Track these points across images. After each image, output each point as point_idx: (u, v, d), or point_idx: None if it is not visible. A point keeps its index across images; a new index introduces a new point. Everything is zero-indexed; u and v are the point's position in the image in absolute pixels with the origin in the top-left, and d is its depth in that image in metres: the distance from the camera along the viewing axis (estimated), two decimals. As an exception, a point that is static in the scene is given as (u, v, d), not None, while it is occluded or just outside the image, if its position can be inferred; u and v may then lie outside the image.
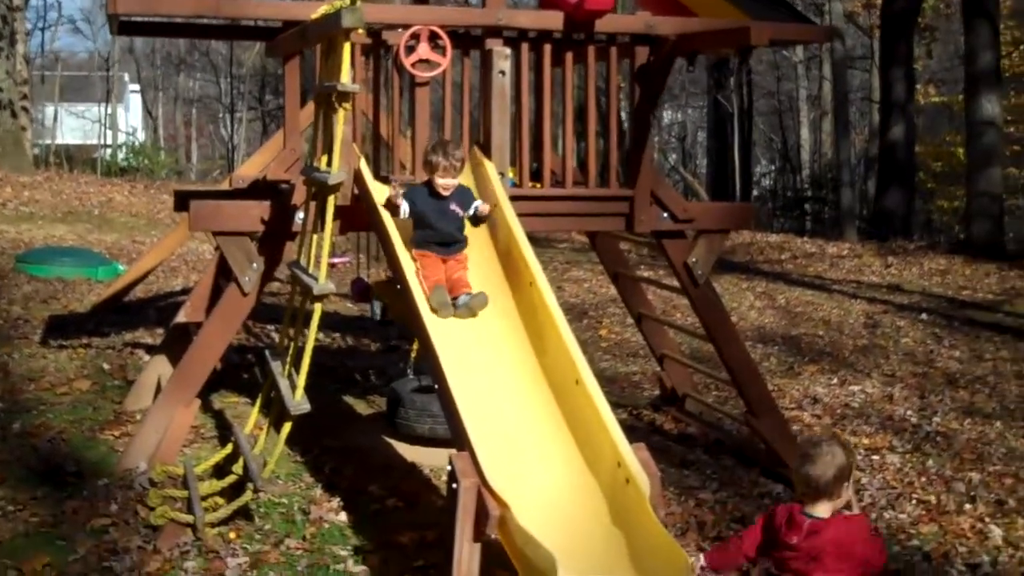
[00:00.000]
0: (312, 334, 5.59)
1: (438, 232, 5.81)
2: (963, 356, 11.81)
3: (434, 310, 5.46)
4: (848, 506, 4.36)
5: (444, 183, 5.84)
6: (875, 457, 7.94)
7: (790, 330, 12.84)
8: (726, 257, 17.93)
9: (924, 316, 13.80)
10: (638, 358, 10.74)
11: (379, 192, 6.03)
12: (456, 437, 4.89)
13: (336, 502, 6.28)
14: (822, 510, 4.26)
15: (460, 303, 5.55)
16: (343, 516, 6.12)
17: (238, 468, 5.87)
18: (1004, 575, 5.91)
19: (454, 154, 5.87)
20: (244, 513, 5.88)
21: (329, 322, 11.38)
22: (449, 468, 4.62)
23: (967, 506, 6.98)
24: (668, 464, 7.45)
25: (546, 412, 5.17)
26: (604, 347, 11.54)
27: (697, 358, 9.72)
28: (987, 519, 6.76)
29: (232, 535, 5.72)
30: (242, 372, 8.96)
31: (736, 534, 4.94)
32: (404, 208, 5.84)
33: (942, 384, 10.46)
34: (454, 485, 4.52)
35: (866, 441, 8.34)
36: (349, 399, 8.70)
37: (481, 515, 4.44)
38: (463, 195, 5.99)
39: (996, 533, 6.53)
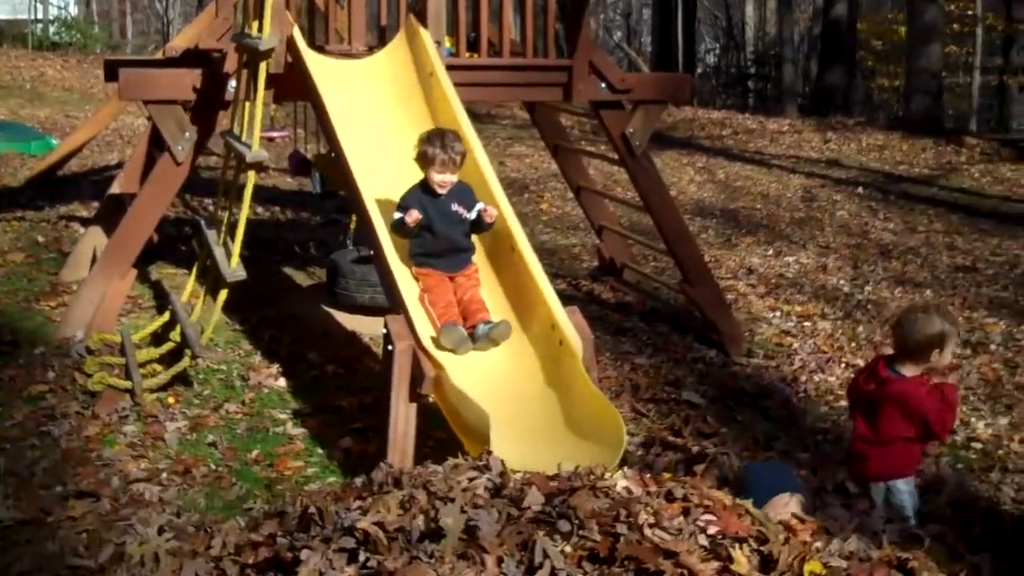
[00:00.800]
0: (246, 202, 5.55)
1: (441, 238, 5.08)
2: (897, 228, 12.03)
3: (450, 349, 4.75)
4: (943, 375, 4.57)
5: (441, 179, 5.07)
6: (807, 324, 8.14)
7: (729, 204, 12.97)
8: (668, 133, 17.96)
9: (860, 190, 13.99)
10: (578, 231, 10.80)
11: (315, 62, 5.90)
12: (392, 301, 4.94)
13: (275, 368, 6.33)
14: (906, 369, 4.47)
15: (479, 335, 4.84)
16: (282, 382, 6.17)
17: (175, 335, 5.88)
18: (925, 433, 6.11)
19: (453, 146, 5.09)
20: (183, 380, 5.92)
21: (268, 196, 11.30)
22: (384, 331, 4.67)
23: (893, 369, 7.18)
24: (605, 331, 7.57)
25: (482, 276, 5.20)
26: (545, 220, 11.59)
27: (636, 230, 9.79)
28: (912, 382, 6.97)
29: (171, 400, 5.76)
30: (180, 244, 8.89)
31: None
32: (414, 212, 5.01)
33: (875, 255, 10.67)
34: (389, 347, 4.58)
35: (799, 309, 8.53)
36: (289, 271, 8.69)
37: (416, 376, 4.51)
38: (463, 194, 5.20)
39: (920, 394, 6.74)
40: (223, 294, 5.63)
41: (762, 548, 2.89)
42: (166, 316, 6.25)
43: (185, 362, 5.69)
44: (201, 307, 6.17)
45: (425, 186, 5.12)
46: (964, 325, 8.29)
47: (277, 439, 5.48)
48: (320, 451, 5.36)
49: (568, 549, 2.71)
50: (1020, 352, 7.69)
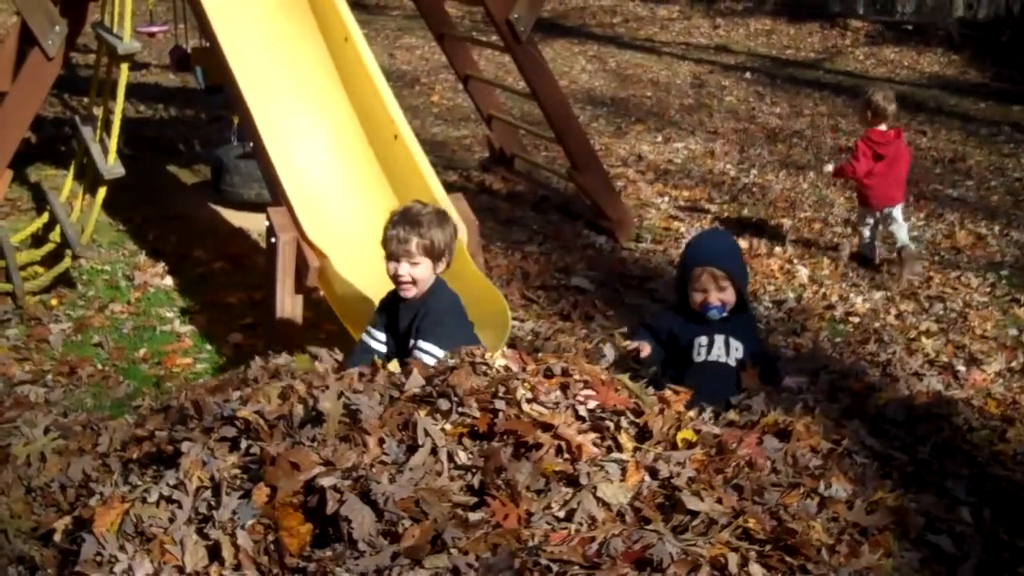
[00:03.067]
0: (120, 97, 5.40)
1: None
2: (783, 112, 12.21)
3: None
4: None
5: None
6: (694, 209, 8.26)
7: (619, 92, 13.00)
8: (558, 22, 17.84)
9: (748, 75, 14.13)
10: (469, 122, 10.74)
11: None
12: (274, 193, 4.88)
13: (161, 267, 6.24)
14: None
15: None
16: (169, 280, 6.09)
17: (55, 236, 5.75)
18: (807, 310, 6.31)
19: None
20: (66, 281, 5.80)
21: (152, 93, 11.00)
22: (268, 224, 4.62)
23: (777, 249, 7.37)
24: (495, 221, 7.61)
25: (365, 166, 5.17)
26: (436, 112, 11.49)
27: (527, 120, 9.77)
28: (795, 260, 7.18)
29: (54, 302, 5.66)
30: (59, 145, 8.62)
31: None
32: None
33: (761, 139, 10.84)
34: (273, 240, 4.54)
35: (686, 194, 8.65)
36: (173, 168, 8.51)
37: (301, 267, 4.49)
38: None
39: (802, 272, 6.95)
40: (102, 192, 5.51)
41: (638, 420, 2.99)
42: (45, 217, 6.11)
43: (66, 263, 5.57)
44: (80, 206, 6.03)
45: None
46: (846, 205, 8.52)
47: (165, 337, 5.44)
48: (209, 347, 5.33)
49: (448, 427, 2.76)
50: (897, 229, 7.94)
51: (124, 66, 5.41)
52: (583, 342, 5.42)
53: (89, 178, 5.83)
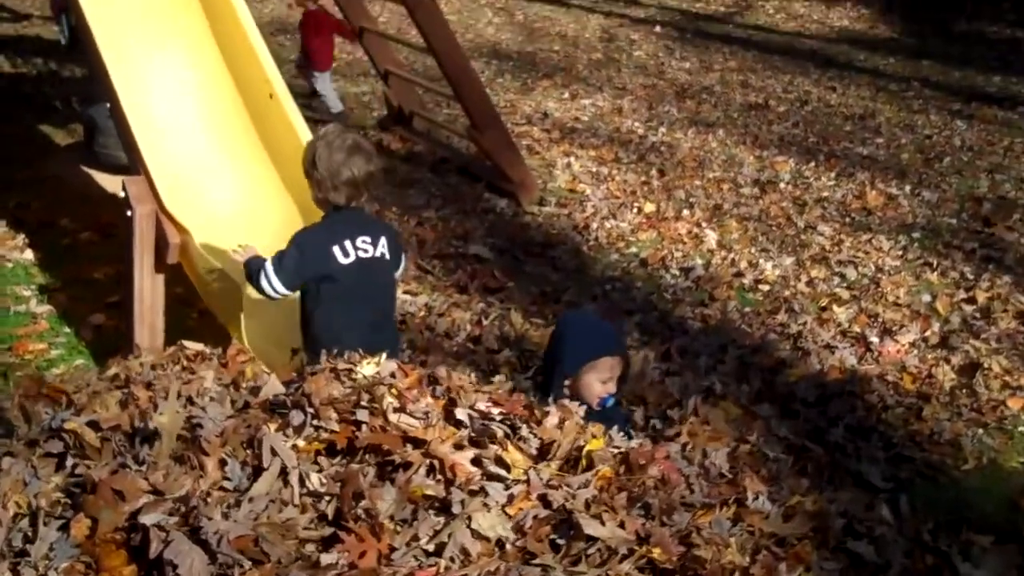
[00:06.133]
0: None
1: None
2: (693, 68, 11.92)
3: None
4: None
5: None
6: (602, 169, 7.92)
7: (526, 46, 12.59)
8: (465, -28, 17.30)
9: (658, 29, 13.81)
10: (370, 78, 10.24)
11: None
12: (132, 159, 4.40)
13: (21, 239, 5.71)
14: None
15: None
16: (29, 254, 5.57)
17: None
18: (715, 278, 6.02)
19: None
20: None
21: (30, 48, 10.33)
22: (123, 194, 4.14)
23: (685, 212, 7.08)
24: (392, 184, 7.18)
25: (237, 128, 4.71)
26: (335, 68, 10.95)
27: (429, 77, 9.31)
28: (703, 224, 6.88)
29: None
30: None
31: None
32: None
33: (671, 95, 10.53)
34: (129, 213, 4.07)
35: (593, 154, 8.30)
36: (46, 128, 7.92)
37: (160, 244, 4.04)
38: None
39: (711, 237, 6.66)
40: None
41: (535, 432, 2.61)
42: None
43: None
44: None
45: None
46: (755, 164, 8.27)
47: (19, 319, 4.92)
48: (68, 330, 4.84)
49: (301, 443, 2.38)
50: (808, 190, 7.70)
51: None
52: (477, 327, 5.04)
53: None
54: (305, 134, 4.50)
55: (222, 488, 2.29)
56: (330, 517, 2.23)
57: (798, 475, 3.47)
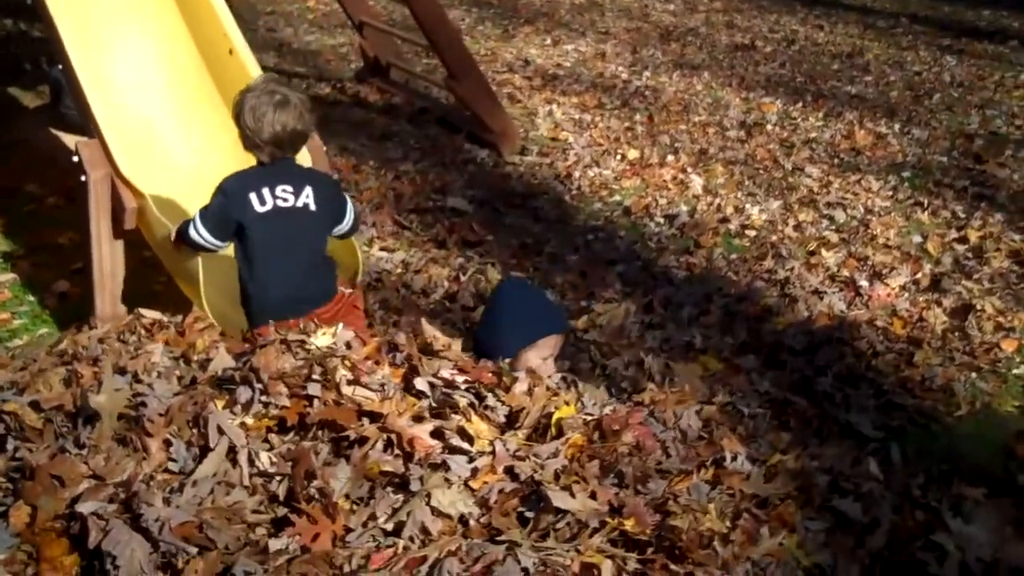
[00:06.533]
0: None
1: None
2: (677, 9, 11.69)
3: None
4: None
5: None
6: (585, 116, 7.74)
7: (507, -9, 12.33)
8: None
9: (642, -30, 13.53)
10: (347, 29, 9.99)
11: None
12: (85, 122, 4.22)
13: (-16, 205, 5.56)
14: None
15: None
16: (-8, 221, 5.42)
17: None
18: (700, 224, 5.87)
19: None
20: None
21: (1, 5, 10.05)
22: (76, 159, 3.97)
23: (670, 158, 6.91)
24: (368, 138, 7.02)
25: (197, 88, 4.52)
26: (311, 19, 10.74)
27: (406, 27, 9.09)
28: (688, 169, 6.72)
29: None
30: None
31: None
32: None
33: (655, 38, 10.31)
34: (83, 178, 3.91)
35: (575, 100, 8.12)
36: (15, 91, 7.69)
37: (117, 208, 3.88)
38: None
39: (696, 183, 6.49)
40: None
41: (503, 399, 2.48)
42: None
43: None
44: None
45: None
46: (742, 106, 8.09)
47: (-20, 288, 4.79)
48: (31, 298, 4.69)
49: (250, 420, 2.25)
50: (795, 131, 7.53)
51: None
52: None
53: None
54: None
55: (167, 471, 2.17)
56: (281, 498, 2.10)
57: (779, 430, 3.34)
